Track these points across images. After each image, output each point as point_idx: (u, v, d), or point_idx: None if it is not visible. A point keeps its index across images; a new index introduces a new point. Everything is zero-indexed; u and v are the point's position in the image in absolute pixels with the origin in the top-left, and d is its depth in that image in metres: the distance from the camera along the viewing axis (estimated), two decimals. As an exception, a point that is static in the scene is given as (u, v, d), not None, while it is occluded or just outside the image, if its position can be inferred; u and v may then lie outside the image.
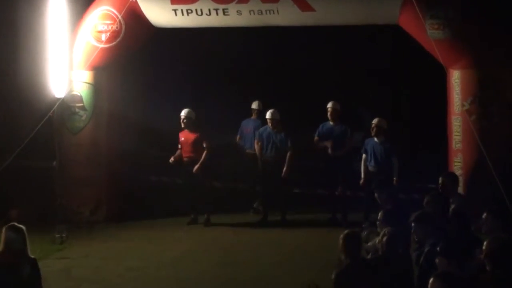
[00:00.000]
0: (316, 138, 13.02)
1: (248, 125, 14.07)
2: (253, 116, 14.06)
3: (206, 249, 11.60)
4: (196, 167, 12.84)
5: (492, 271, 5.76)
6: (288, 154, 12.89)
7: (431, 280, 5.33)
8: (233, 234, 12.50)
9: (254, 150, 13.39)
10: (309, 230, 12.68)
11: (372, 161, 12.45)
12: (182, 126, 13.04)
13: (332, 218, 12.93)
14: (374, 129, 12.43)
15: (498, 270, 5.72)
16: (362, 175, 12.53)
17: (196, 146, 12.95)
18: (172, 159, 13.07)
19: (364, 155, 12.56)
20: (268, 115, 13.14)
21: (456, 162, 11.98)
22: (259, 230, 12.71)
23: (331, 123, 13.01)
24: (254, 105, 14.06)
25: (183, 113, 13.05)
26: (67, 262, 10.79)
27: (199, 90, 15.87)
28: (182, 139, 13.07)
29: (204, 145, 12.96)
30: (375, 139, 12.49)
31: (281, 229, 12.75)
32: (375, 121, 12.49)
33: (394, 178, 12.12)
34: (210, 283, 9.99)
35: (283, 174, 12.86)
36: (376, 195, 8.99)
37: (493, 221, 6.91)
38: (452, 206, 8.27)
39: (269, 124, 13.10)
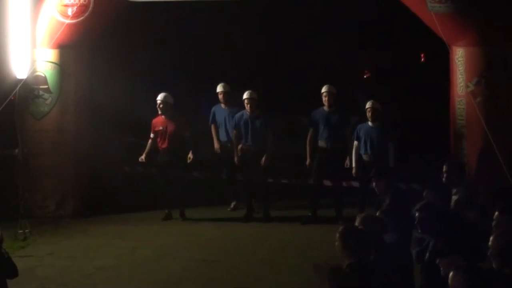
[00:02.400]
0: (310, 134, 12.71)
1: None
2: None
3: (185, 246, 11.56)
4: (191, 160, 12.71)
5: (499, 270, 5.66)
6: (269, 141, 12.71)
7: (451, 274, 5.23)
8: (214, 229, 12.46)
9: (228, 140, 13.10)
10: (297, 224, 12.61)
11: (368, 148, 12.31)
12: (159, 112, 12.86)
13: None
14: (370, 112, 12.34)
15: (506, 269, 5.64)
16: (354, 164, 12.41)
17: (175, 135, 12.78)
18: (143, 156, 12.89)
19: (356, 142, 12.42)
20: (246, 95, 12.81)
21: (459, 149, 11.96)
22: (242, 225, 12.67)
23: (326, 109, 12.72)
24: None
25: (160, 97, 12.83)
26: (30, 261, 10.72)
27: (175, 71, 15.78)
28: (160, 128, 12.84)
29: (186, 134, 12.83)
30: (370, 123, 12.40)
31: (266, 224, 12.71)
32: (369, 103, 12.39)
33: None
34: (190, 284, 9.96)
35: (262, 163, 12.65)
36: (374, 184, 8.97)
37: (509, 221, 6.59)
38: (456, 197, 8.25)
39: (247, 107, 12.85)
